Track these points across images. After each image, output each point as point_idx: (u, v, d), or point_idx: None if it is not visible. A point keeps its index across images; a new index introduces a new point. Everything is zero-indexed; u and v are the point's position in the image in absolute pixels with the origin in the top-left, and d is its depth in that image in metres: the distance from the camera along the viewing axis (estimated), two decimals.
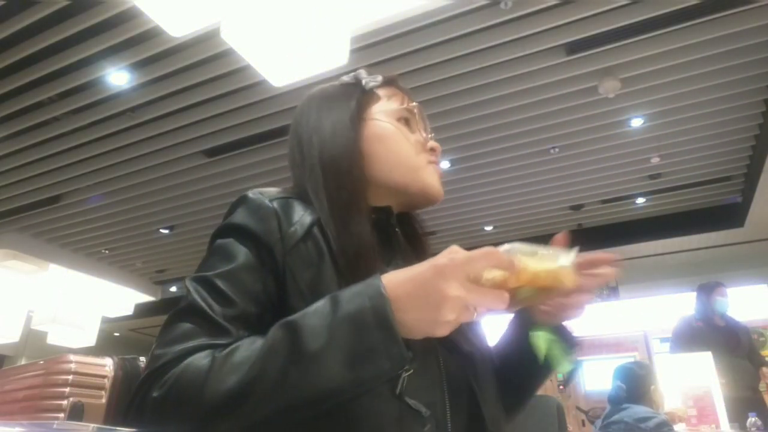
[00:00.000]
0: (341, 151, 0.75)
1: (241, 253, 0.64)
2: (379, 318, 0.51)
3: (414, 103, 0.82)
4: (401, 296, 0.52)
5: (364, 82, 0.82)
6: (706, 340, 3.18)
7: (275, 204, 0.68)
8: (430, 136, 0.83)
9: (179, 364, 0.54)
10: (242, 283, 0.62)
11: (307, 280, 0.64)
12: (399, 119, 0.80)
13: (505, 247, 0.58)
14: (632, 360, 4.65)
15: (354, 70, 0.85)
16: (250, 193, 0.70)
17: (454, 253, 0.53)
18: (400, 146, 0.78)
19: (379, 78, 0.83)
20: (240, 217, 0.68)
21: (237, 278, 0.62)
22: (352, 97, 0.80)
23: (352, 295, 0.54)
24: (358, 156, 0.75)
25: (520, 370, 0.78)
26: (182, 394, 0.52)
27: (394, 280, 0.54)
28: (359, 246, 0.67)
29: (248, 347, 0.54)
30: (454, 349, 0.69)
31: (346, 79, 0.84)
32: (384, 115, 0.80)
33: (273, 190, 0.72)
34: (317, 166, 0.75)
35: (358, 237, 0.68)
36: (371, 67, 0.84)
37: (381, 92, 0.82)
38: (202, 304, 0.59)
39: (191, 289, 0.62)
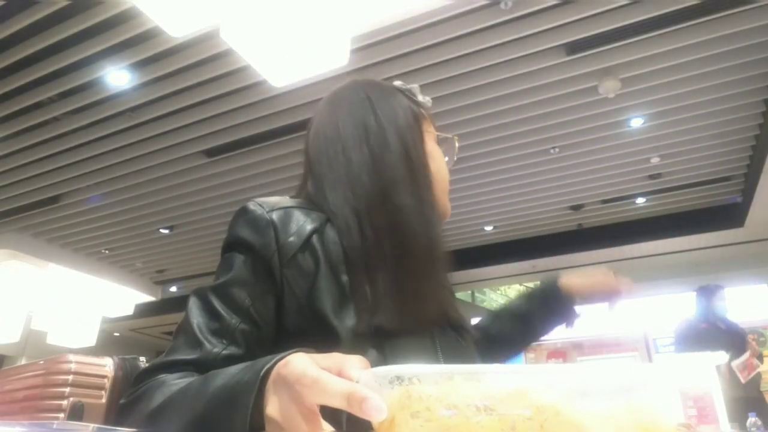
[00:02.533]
0: (416, 155, 0.76)
1: (236, 267, 0.67)
2: (238, 398, 0.44)
3: (453, 136, 0.88)
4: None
5: (421, 98, 0.85)
6: (711, 342, 3.19)
7: (273, 215, 0.68)
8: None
9: (151, 377, 0.60)
10: (232, 298, 0.65)
11: (304, 290, 0.65)
12: (436, 141, 0.84)
13: (389, 370, 0.32)
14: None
15: (355, 71, 0.86)
16: (250, 204, 0.71)
17: (295, 360, 0.40)
18: (441, 166, 0.83)
19: (429, 99, 0.87)
20: (239, 229, 0.69)
21: (227, 292, 0.65)
22: (413, 107, 0.82)
23: (250, 365, 0.47)
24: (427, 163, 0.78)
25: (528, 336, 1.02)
26: (133, 406, 0.58)
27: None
28: (433, 244, 0.72)
29: (183, 382, 0.56)
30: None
31: (399, 85, 0.86)
32: (429, 137, 0.83)
33: (273, 200, 0.72)
34: (384, 164, 0.74)
35: (433, 236, 0.73)
36: (371, 68, 0.85)
37: (424, 112, 0.85)
38: (192, 319, 0.64)
39: (189, 303, 0.66)
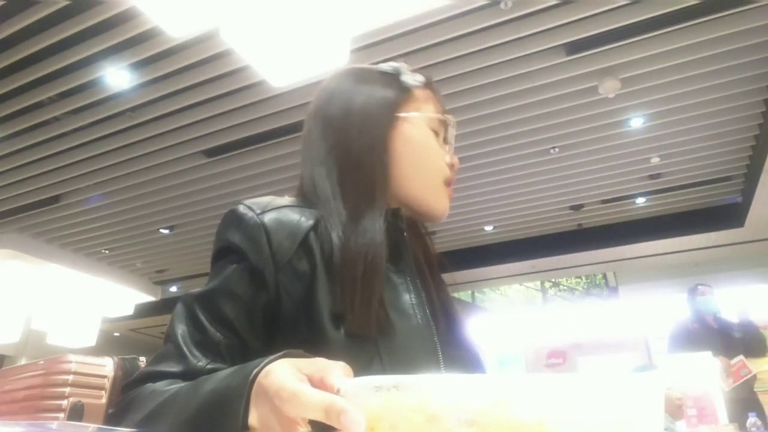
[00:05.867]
0: (370, 143, 0.70)
1: (225, 276, 0.63)
2: (228, 404, 0.44)
3: (450, 117, 0.78)
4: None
5: (403, 78, 0.77)
6: (701, 342, 3.19)
7: (264, 218, 0.64)
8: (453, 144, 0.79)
9: (138, 386, 0.58)
10: (217, 309, 0.62)
11: (300, 293, 0.62)
12: (431, 128, 0.75)
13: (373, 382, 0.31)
14: (646, 363, 4.66)
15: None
16: (240, 207, 0.66)
17: (275, 371, 0.40)
18: (426, 158, 0.74)
19: (421, 78, 0.78)
20: (229, 235, 0.65)
21: (213, 303, 0.62)
22: (390, 89, 0.75)
23: (238, 369, 0.47)
24: (386, 153, 0.70)
25: None
26: (123, 415, 0.57)
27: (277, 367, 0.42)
28: (369, 245, 0.64)
29: (172, 388, 0.55)
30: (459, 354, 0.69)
31: (385, 67, 0.79)
32: (418, 119, 0.74)
33: (264, 201, 0.68)
34: (339, 152, 0.71)
35: (370, 235, 0.64)
36: None
37: (418, 93, 0.77)
38: (177, 329, 0.61)
39: (176, 311, 0.63)
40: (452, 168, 0.77)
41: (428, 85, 0.79)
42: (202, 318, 0.61)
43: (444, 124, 0.77)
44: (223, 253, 0.66)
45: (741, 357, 3.11)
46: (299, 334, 0.61)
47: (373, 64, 0.84)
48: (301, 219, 0.66)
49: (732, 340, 3.32)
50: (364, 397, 0.32)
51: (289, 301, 0.62)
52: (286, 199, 0.70)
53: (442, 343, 0.67)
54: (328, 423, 0.33)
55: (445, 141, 0.77)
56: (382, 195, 0.68)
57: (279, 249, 0.63)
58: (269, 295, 0.62)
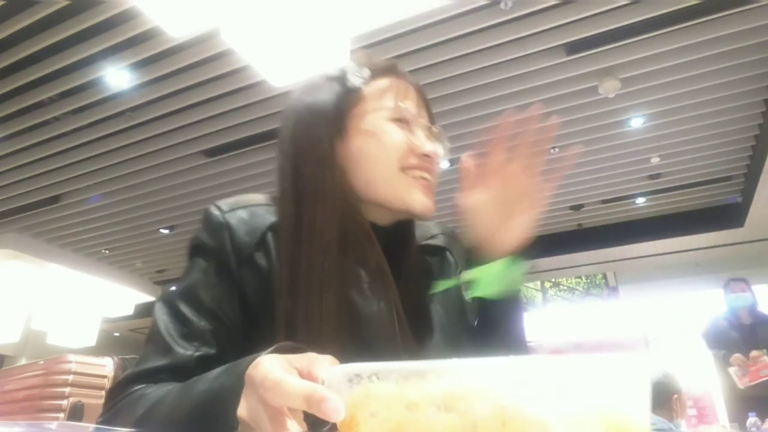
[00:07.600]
0: (317, 158, 0.69)
1: (198, 270, 0.67)
2: (224, 403, 0.43)
3: (403, 104, 0.72)
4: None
5: (348, 78, 0.73)
6: (727, 338, 3.15)
7: (229, 216, 0.68)
8: (435, 130, 0.75)
9: (126, 390, 0.59)
10: (198, 300, 0.64)
11: (259, 286, 0.65)
12: (392, 120, 0.71)
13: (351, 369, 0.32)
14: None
15: None
16: (210, 207, 0.70)
17: (263, 362, 0.40)
18: (378, 156, 0.69)
19: (366, 73, 0.73)
20: (199, 233, 0.69)
21: (193, 296, 0.65)
22: (334, 95, 0.72)
23: (231, 368, 0.47)
24: (334, 167, 0.69)
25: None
26: (115, 421, 0.57)
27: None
28: (321, 281, 0.64)
29: (161, 391, 0.56)
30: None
31: (332, 71, 0.76)
32: (370, 118, 0.71)
33: (234, 200, 0.71)
34: (294, 170, 0.71)
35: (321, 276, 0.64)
36: None
37: (372, 87, 0.72)
38: (161, 326, 0.63)
39: (156, 310, 0.66)
40: (424, 157, 0.72)
41: (387, 71, 0.74)
42: (185, 311, 0.64)
43: (406, 111, 0.72)
44: (195, 251, 0.69)
45: (765, 357, 2.96)
46: (264, 323, 0.64)
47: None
48: (265, 217, 0.69)
49: (756, 338, 3.22)
50: (345, 386, 0.32)
51: (252, 292, 0.65)
52: (258, 197, 0.73)
53: (403, 332, 0.67)
54: (309, 411, 0.34)
55: (413, 126, 0.73)
56: (336, 210, 0.67)
57: (241, 245, 0.66)
58: (237, 285, 0.66)
